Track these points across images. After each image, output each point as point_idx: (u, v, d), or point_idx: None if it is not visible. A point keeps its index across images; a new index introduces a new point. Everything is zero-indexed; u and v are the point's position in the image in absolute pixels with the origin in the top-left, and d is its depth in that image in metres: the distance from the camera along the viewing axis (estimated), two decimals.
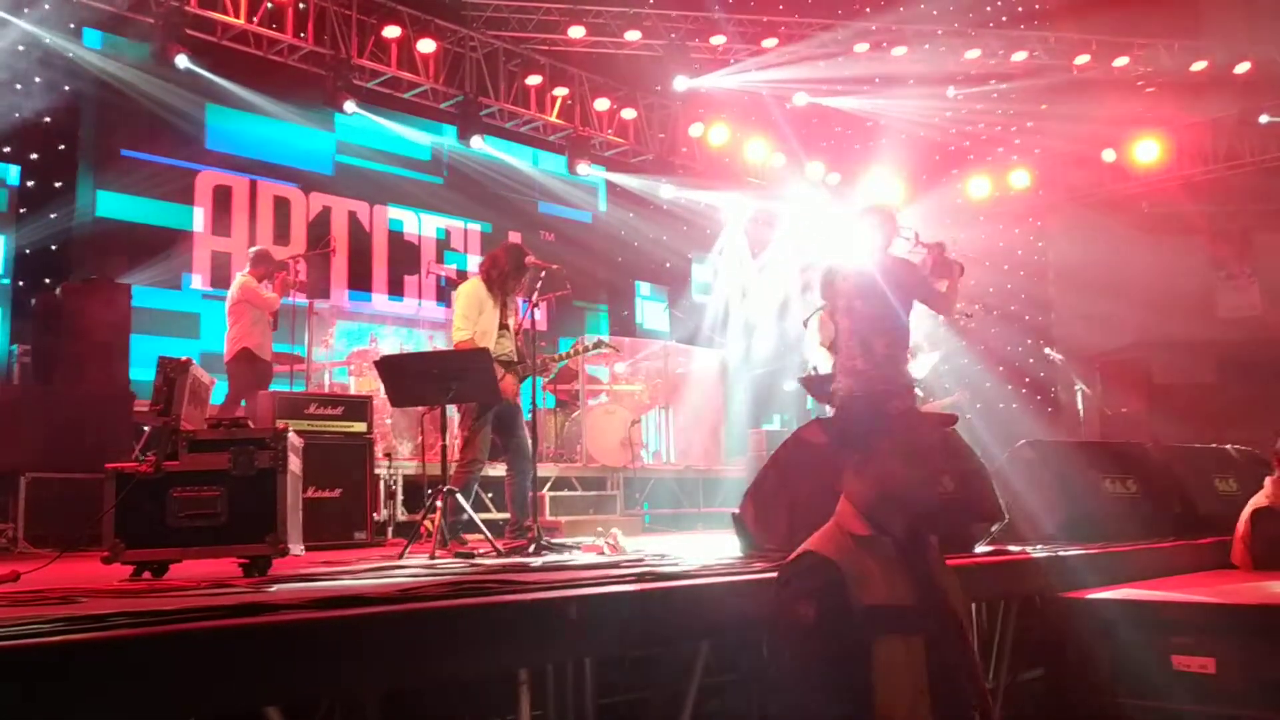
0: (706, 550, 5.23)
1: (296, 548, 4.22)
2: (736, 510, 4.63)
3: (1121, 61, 13.88)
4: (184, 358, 4.07)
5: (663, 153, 14.58)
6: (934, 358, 9.75)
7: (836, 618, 2.59)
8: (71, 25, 10.39)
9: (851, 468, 2.84)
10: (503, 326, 6.56)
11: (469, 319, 6.41)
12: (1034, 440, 6.07)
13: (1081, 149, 14.97)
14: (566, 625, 2.67)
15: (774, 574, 3.42)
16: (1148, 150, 14.30)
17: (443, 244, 13.48)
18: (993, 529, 4.72)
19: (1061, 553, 4.64)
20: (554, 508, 9.00)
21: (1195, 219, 14.32)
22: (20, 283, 9.84)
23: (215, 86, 11.14)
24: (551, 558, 5.07)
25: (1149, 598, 4.13)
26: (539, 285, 6.96)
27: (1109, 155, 14.69)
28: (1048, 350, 12.22)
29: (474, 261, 13.36)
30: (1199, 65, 13.59)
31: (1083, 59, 13.87)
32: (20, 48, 9.98)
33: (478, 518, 6.00)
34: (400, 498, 8.75)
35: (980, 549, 4.56)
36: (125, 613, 2.09)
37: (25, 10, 9.87)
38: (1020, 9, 14.70)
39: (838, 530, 2.79)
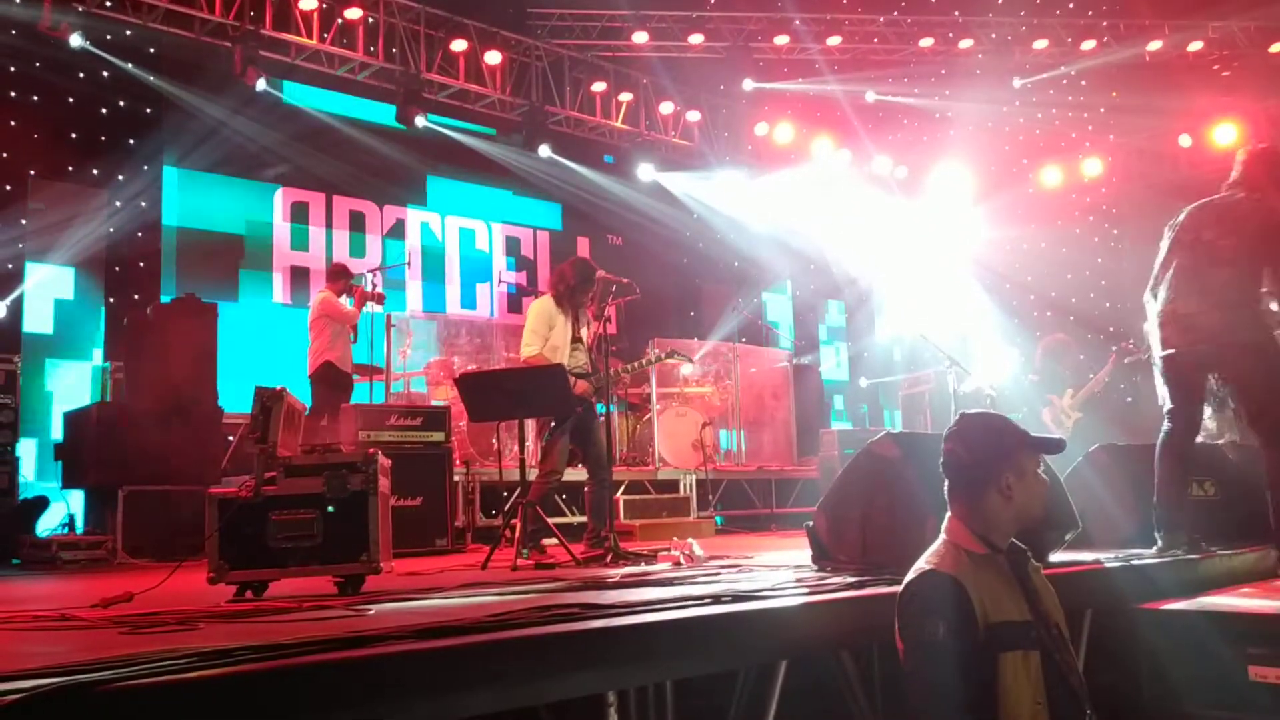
0: (780, 558, 5.35)
1: (386, 564, 4.42)
2: (810, 523, 4.73)
3: (1195, 46, 13.63)
4: (279, 387, 4.29)
5: (728, 152, 14.67)
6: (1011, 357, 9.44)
7: (964, 634, 2.72)
8: (152, 50, 10.79)
9: (954, 489, 2.98)
10: (575, 340, 6.70)
11: (538, 334, 6.60)
12: (1108, 444, 6.03)
13: (1156, 135, 14.71)
14: (651, 649, 2.82)
15: (850, 592, 3.54)
16: (1226, 134, 13.96)
17: (512, 252, 13.70)
18: (1066, 537, 4.71)
19: (1136, 561, 4.64)
20: (627, 511, 9.13)
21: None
22: (111, 300, 10.27)
23: (291, 105, 11.49)
24: (629, 569, 5.22)
25: (1224, 607, 4.12)
26: (610, 297, 7.13)
27: (1185, 140, 14.40)
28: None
29: (544, 268, 13.59)
30: (1277, 47, 13.30)
31: (1155, 45, 13.64)
32: (105, 74, 10.41)
33: (554, 524, 6.21)
34: (478, 503, 8.97)
35: (1054, 557, 4.57)
36: (248, 646, 2.28)
37: (108, 37, 10.28)
38: None
39: (954, 548, 2.90)
